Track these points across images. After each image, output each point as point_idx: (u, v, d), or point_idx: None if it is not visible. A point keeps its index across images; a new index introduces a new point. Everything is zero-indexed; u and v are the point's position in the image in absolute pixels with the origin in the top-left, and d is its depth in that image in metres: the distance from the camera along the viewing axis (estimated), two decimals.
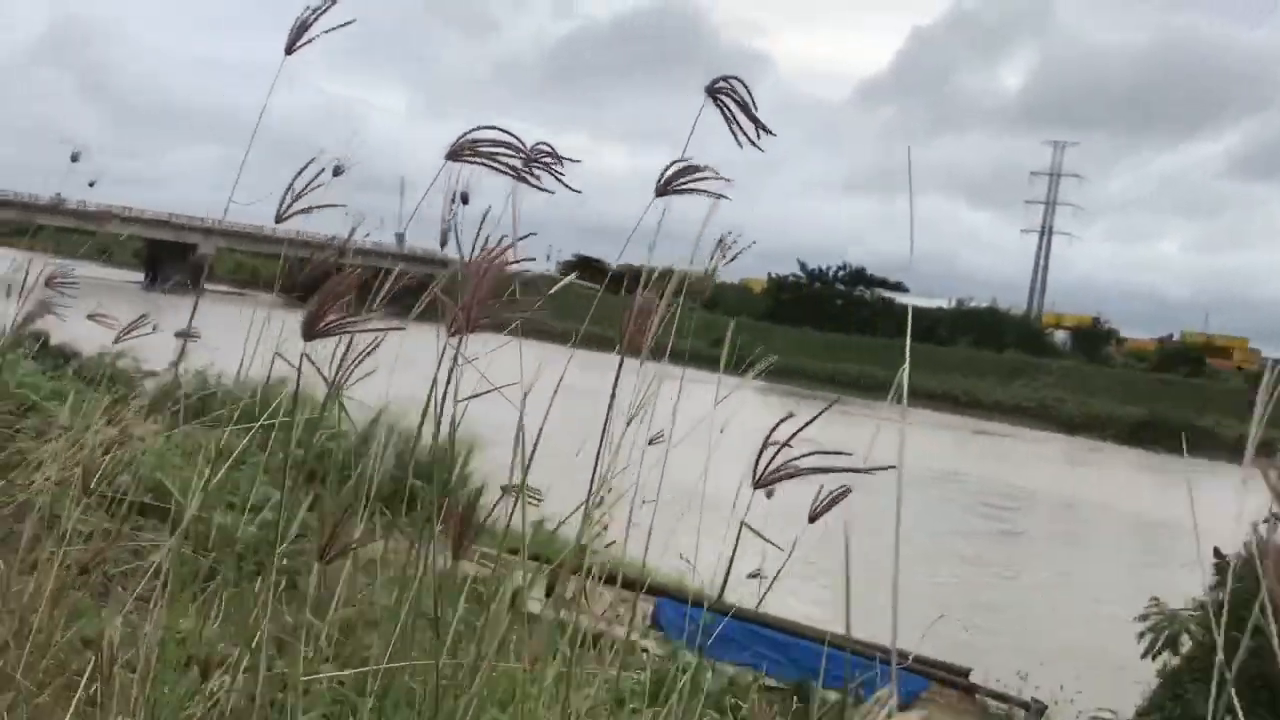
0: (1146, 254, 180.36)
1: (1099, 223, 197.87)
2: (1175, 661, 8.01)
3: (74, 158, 2.90)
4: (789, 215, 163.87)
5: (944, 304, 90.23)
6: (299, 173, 1.84)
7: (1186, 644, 8.00)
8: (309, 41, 1.91)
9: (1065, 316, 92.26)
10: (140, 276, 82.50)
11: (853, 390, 65.33)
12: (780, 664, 8.67)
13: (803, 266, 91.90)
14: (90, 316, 3.03)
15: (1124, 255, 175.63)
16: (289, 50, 1.91)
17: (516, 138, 1.83)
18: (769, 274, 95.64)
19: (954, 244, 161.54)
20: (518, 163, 1.82)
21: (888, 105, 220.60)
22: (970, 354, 76.19)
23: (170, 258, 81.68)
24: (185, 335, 2.68)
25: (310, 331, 1.69)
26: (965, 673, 11.50)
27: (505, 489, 2.18)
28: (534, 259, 1.92)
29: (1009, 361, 74.76)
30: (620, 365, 1.94)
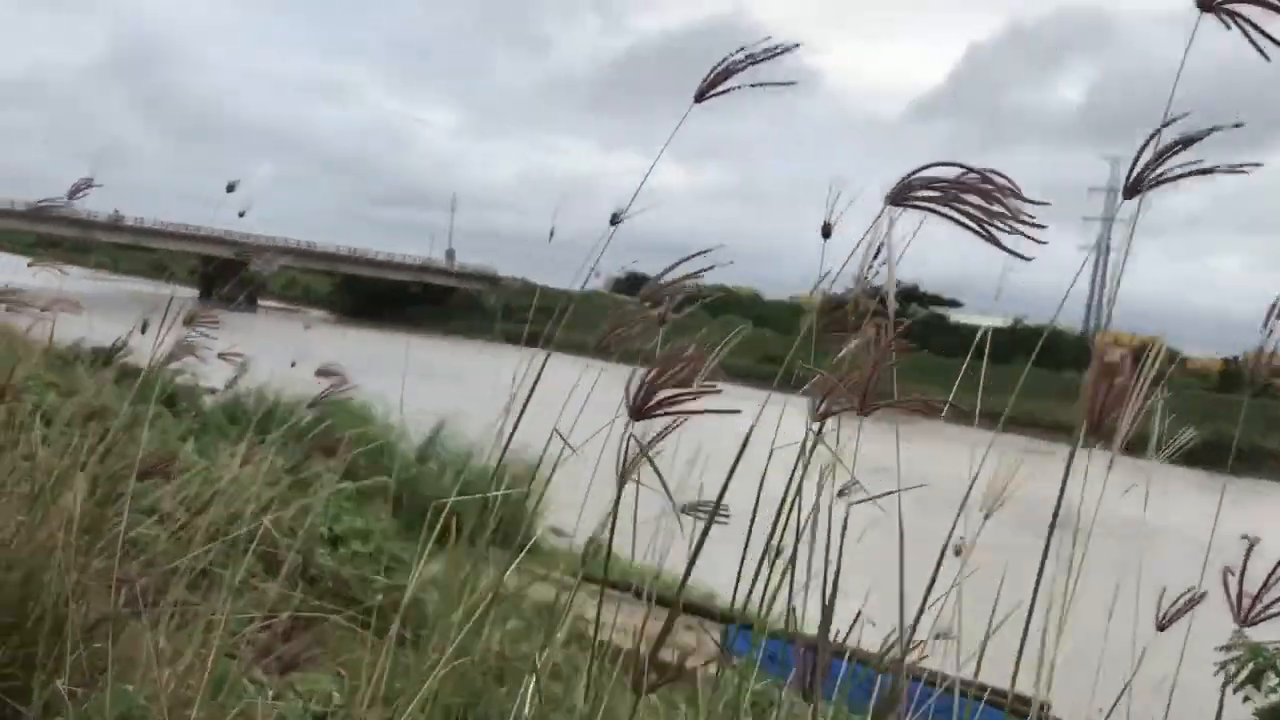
0: (1208, 272, 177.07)
1: (1160, 240, 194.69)
2: (1272, 698, 7.79)
3: (230, 188, 2.82)
4: (842, 232, 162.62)
5: (1000, 322, 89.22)
6: None
7: (1272, 679, 7.76)
8: None
9: (1123, 335, 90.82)
10: (196, 293, 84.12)
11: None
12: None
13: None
14: (221, 355, 3.09)
15: (1185, 273, 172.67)
16: None
17: (985, 174, 1.50)
18: (822, 291, 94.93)
19: (1011, 261, 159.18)
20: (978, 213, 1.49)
21: (943, 121, 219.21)
22: (1028, 373, 75.20)
23: (225, 274, 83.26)
24: (328, 373, 2.69)
25: (639, 412, 1.50)
26: (1044, 706, 11.05)
27: (688, 509, 2.10)
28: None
29: (1067, 381, 73.72)
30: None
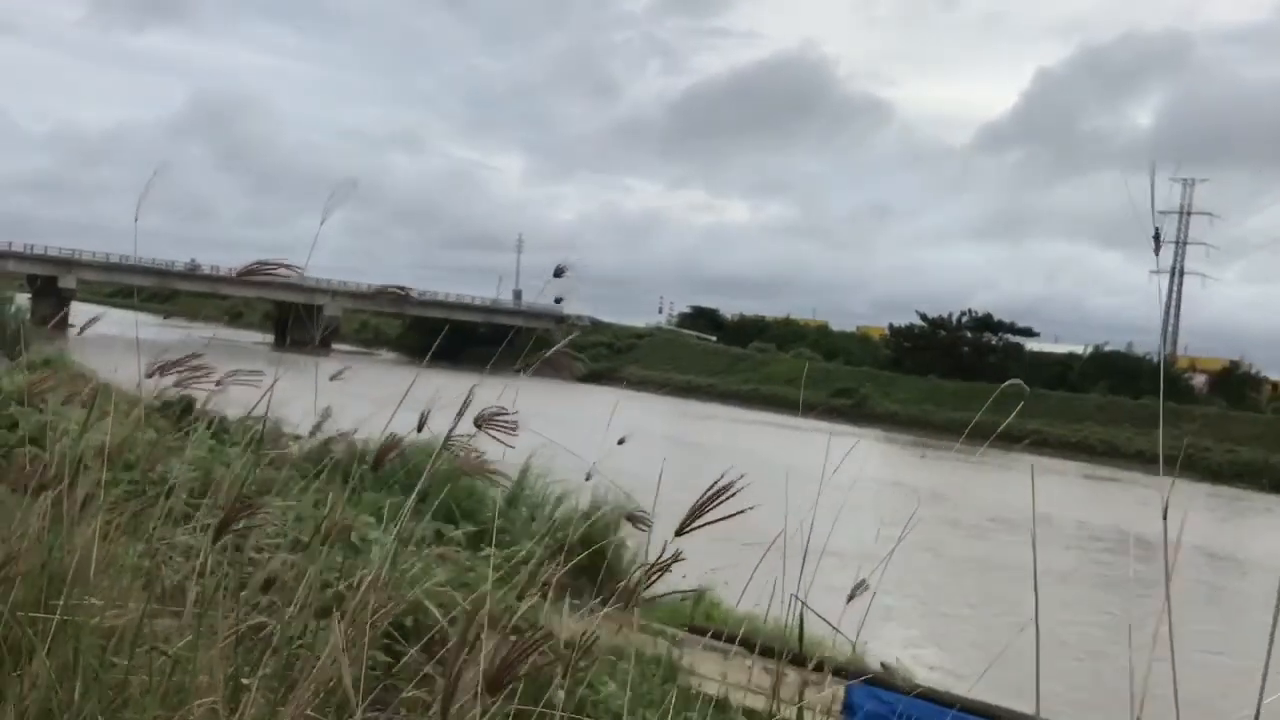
0: None
1: (1236, 263, 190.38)
2: None
3: (558, 272, 2.68)
4: (911, 264, 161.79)
5: (1077, 349, 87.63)
6: None
7: None
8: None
9: (1199, 360, 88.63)
10: (270, 337, 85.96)
11: (983, 440, 63.42)
12: None
13: (923, 317, 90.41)
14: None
15: (1265, 296, 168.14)
16: None
17: None
18: (889, 324, 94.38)
19: (1083, 287, 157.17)
20: None
21: (1013, 148, 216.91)
22: (1105, 401, 73.67)
23: (299, 320, 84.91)
24: (487, 420, 2.65)
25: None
26: None
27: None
28: None
29: (1147, 408, 71.97)
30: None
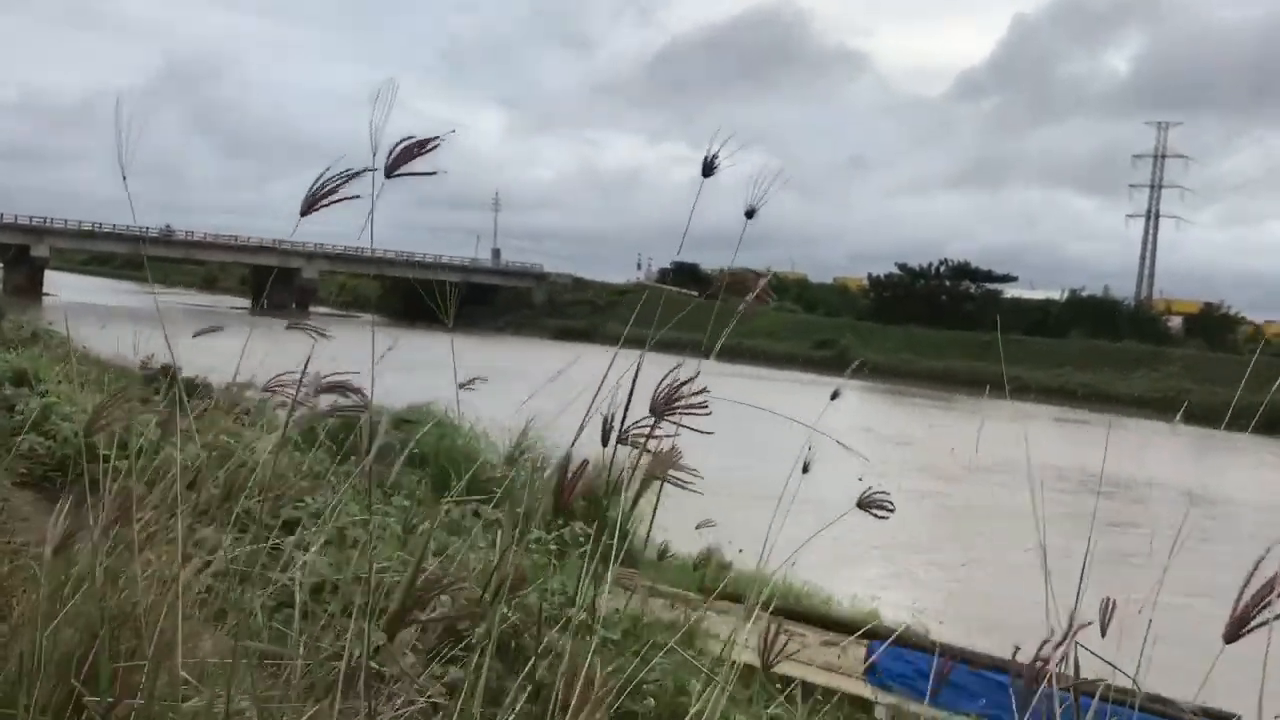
0: (1263, 236, 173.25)
1: (1211, 206, 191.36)
2: None
3: (750, 214, 2.40)
4: (889, 214, 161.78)
5: (1055, 295, 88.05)
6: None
7: None
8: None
9: (1175, 302, 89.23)
10: (247, 302, 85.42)
11: (962, 387, 64.12)
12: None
13: (902, 267, 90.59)
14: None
15: (1238, 238, 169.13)
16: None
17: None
18: (868, 275, 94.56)
19: (1059, 234, 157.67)
20: None
21: (989, 97, 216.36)
22: (1085, 345, 74.13)
23: (276, 283, 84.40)
24: (467, 386, 2.57)
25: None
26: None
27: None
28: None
29: (1127, 352, 72.50)
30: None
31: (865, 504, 2.07)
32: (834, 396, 2.18)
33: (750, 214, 1.86)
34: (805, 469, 2.03)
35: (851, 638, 6.22)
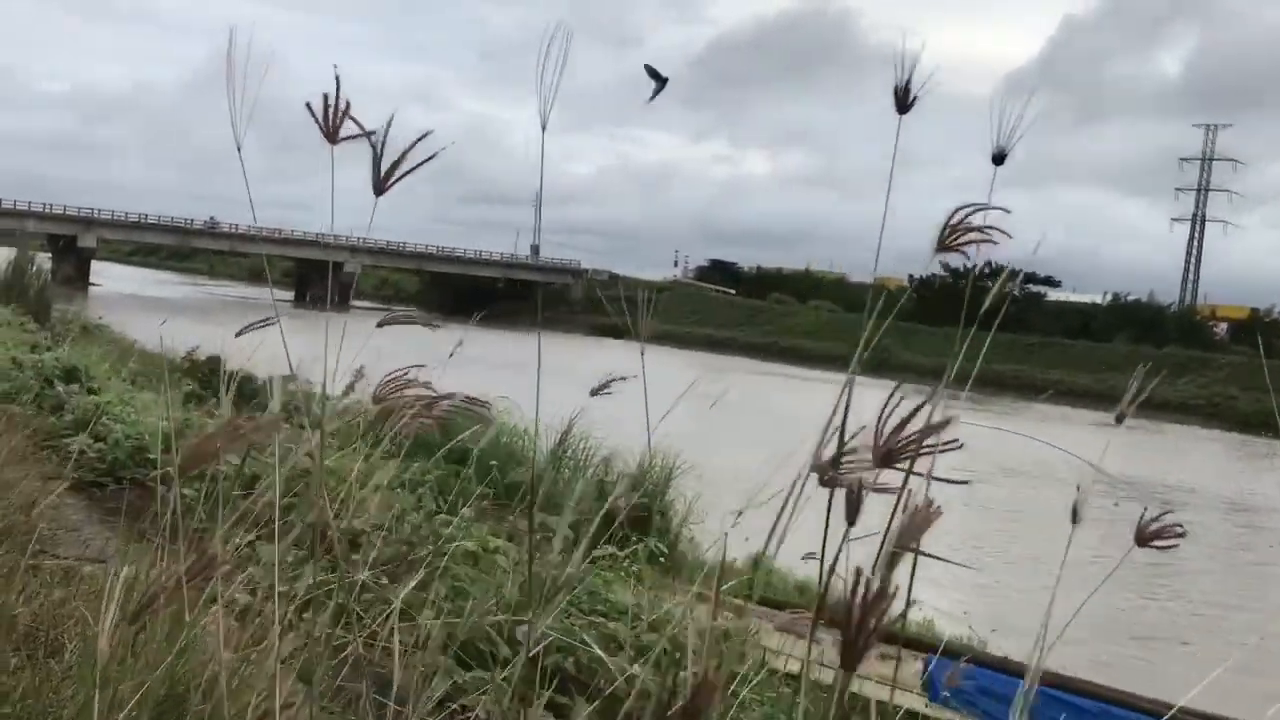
0: None
1: (1259, 210, 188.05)
2: None
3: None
4: (933, 214, 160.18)
5: (1098, 299, 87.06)
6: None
7: None
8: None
9: (1220, 308, 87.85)
10: (290, 295, 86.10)
11: (1005, 391, 63.44)
12: None
13: (945, 267, 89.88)
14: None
15: None
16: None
17: None
18: (909, 276, 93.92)
19: (1104, 237, 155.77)
20: None
21: (1037, 96, 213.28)
22: (1129, 350, 73.26)
23: (318, 276, 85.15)
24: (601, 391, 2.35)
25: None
26: None
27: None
28: None
29: (1172, 357, 71.54)
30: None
31: (1147, 537, 1.62)
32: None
33: None
34: (1075, 519, 1.63)
35: (906, 651, 6.10)
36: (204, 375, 13.07)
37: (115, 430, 6.64)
